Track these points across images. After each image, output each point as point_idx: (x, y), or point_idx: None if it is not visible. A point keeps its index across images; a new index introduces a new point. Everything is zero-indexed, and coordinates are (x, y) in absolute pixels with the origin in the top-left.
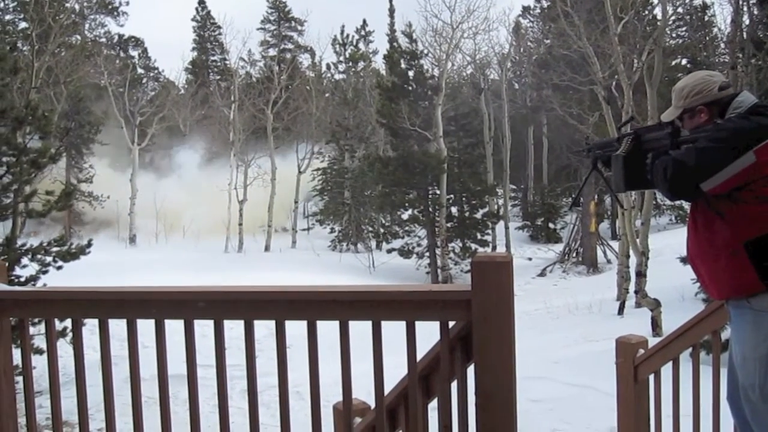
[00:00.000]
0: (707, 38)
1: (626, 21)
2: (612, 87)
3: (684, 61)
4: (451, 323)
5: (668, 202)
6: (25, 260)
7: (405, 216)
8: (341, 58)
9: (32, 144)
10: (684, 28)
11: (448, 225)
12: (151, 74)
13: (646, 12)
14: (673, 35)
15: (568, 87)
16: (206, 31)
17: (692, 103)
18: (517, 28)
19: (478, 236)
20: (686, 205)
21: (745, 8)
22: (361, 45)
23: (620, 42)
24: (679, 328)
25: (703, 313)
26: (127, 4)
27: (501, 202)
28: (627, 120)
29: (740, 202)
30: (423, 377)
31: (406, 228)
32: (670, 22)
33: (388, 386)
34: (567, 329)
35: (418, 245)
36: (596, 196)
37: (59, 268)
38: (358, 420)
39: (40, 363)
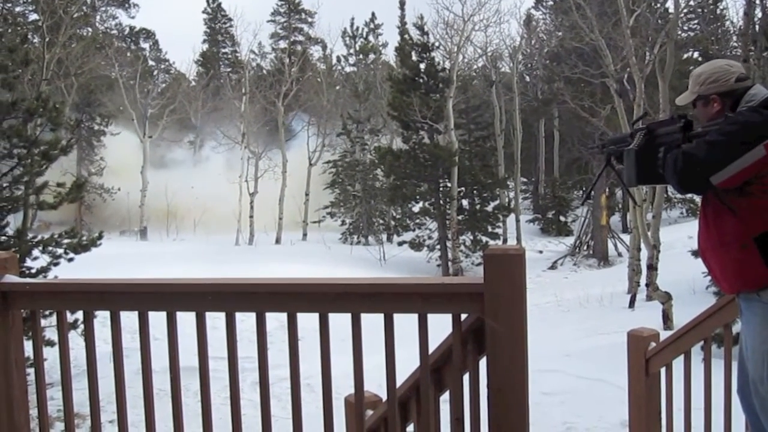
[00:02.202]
0: (719, 31)
1: (638, 13)
2: (624, 80)
3: (696, 54)
4: (464, 316)
5: (679, 195)
6: (36, 252)
7: (416, 209)
8: (351, 51)
9: (43, 136)
10: (696, 21)
11: (459, 218)
12: (162, 66)
13: (659, 4)
14: (685, 28)
15: (579, 80)
16: (217, 23)
17: (707, 91)
18: (528, 21)
19: (489, 229)
20: (697, 199)
21: (758, 1)
22: (370, 38)
23: (632, 34)
24: (691, 322)
25: (714, 306)
26: None
27: (512, 194)
28: (641, 116)
29: (750, 195)
30: (435, 370)
31: (417, 221)
32: (683, 15)
33: (400, 379)
34: (578, 322)
35: (429, 238)
36: (607, 190)
37: (70, 260)
38: (369, 412)
39: (51, 355)
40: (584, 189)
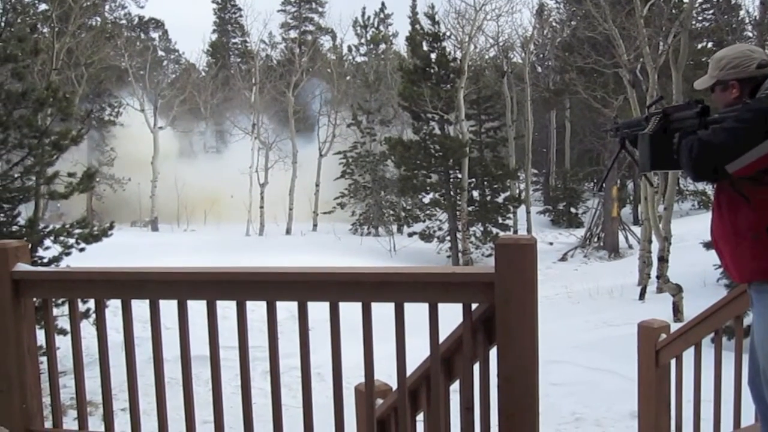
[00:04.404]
0: (735, 21)
1: (652, 3)
2: (637, 70)
3: (710, 44)
4: (474, 305)
5: (691, 187)
6: (47, 242)
7: (426, 200)
8: (362, 41)
9: (53, 126)
10: (711, 11)
11: (470, 209)
12: (172, 57)
13: None
14: (700, 18)
15: (592, 70)
16: (227, 13)
17: (726, 76)
18: (540, 10)
19: (500, 220)
20: (709, 191)
21: None
22: (381, 28)
23: (646, 24)
24: (702, 313)
25: (725, 298)
26: None
27: (523, 186)
28: (656, 100)
29: (765, 185)
30: (445, 359)
31: (428, 212)
32: (697, 5)
33: (410, 368)
34: (588, 314)
35: (439, 229)
36: (618, 182)
37: (82, 250)
38: (380, 401)
39: (64, 344)
40: (595, 181)
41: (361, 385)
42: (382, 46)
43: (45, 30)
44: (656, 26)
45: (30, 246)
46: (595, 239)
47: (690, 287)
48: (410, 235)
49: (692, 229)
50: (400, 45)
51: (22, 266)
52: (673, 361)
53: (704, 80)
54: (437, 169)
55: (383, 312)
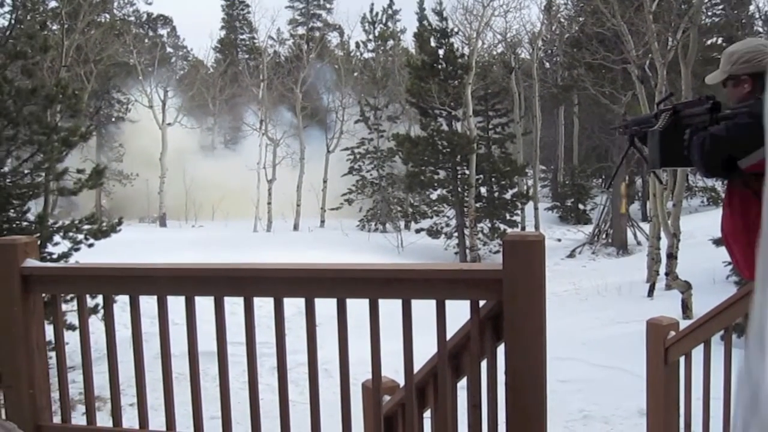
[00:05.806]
0: (744, 16)
1: None
2: (646, 66)
3: (720, 40)
4: (482, 302)
5: (700, 183)
6: (56, 238)
7: (434, 196)
8: (370, 37)
9: (63, 122)
10: (720, 6)
11: (477, 205)
12: (180, 53)
13: None
14: (709, 13)
15: (600, 66)
16: (234, 9)
17: (738, 71)
18: (548, 6)
19: (507, 217)
20: (719, 188)
21: None
22: (389, 24)
23: (655, 20)
24: (711, 311)
25: (735, 295)
26: None
27: (531, 182)
28: (666, 96)
29: None
30: (452, 356)
31: (435, 208)
32: (706, 0)
33: (417, 365)
34: (596, 311)
35: (447, 225)
36: (627, 178)
37: (91, 245)
38: (387, 398)
39: (72, 339)
40: (603, 177)
41: (368, 381)
42: (390, 43)
43: (54, 27)
44: (665, 22)
45: (39, 242)
46: (604, 236)
47: (699, 284)
48: (418, 231)
49: (701, 226)
50: (408, 41)
51: (32, 262)
52: (682, 359)
53: (716, 75)
54: (445, 166)
55: (391, 309)
